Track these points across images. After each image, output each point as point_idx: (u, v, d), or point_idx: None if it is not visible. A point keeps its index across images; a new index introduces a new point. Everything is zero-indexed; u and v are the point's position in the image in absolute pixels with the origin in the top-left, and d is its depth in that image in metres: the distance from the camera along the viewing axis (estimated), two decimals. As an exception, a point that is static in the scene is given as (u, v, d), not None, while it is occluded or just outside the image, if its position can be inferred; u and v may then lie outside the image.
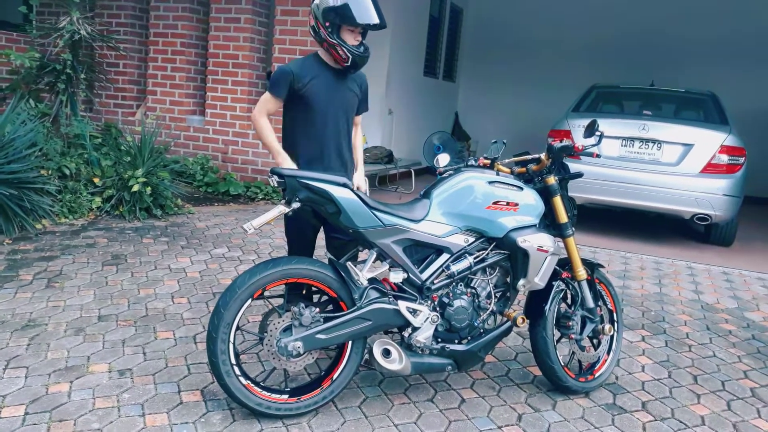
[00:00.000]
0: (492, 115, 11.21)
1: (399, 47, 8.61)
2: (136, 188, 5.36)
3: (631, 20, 10.70)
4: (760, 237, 7.14)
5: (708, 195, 5.82)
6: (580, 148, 2.82)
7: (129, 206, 5.47)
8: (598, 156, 2.92)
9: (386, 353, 2.61)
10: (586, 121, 6.26)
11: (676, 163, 5.96)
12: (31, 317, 3.39)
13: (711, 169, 5.85)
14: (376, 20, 2.76)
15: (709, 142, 5.89)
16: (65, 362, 2.93)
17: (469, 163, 3.07)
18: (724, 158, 5.84)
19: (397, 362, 2.60)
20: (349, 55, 2.80)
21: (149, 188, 5.46)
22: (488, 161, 3.03)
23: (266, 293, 2.57)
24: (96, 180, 5.56)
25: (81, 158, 5.60)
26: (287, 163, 2.90)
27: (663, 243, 6.44)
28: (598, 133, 2.93)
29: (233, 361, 2.48)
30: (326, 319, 2.53)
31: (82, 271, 4.16)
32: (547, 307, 2.86)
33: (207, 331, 2.48)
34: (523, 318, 2.84)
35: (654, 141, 6.03)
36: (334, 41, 2.77)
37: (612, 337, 3.12)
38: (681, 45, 10.45)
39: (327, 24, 2.75)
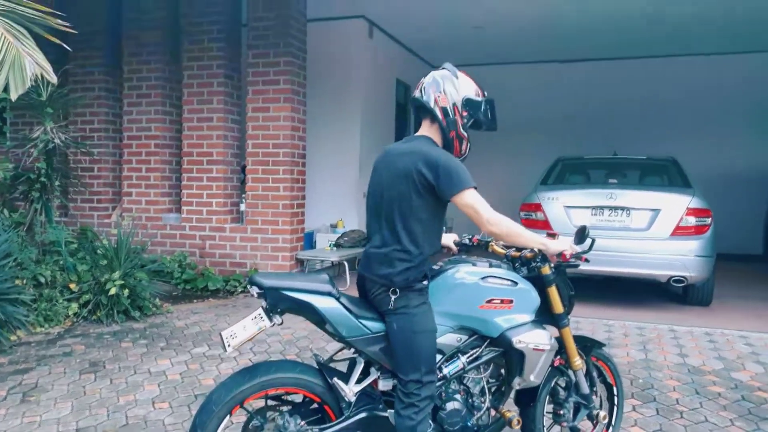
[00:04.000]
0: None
1: (369, 132, 8.87)
2: (113, 291, 5.30)
3: (594, 92, 11.22)
4: (737, 294, 7.24)
5: (681, 257, 5.93)
6: (568, 257, 2.62)
7: (106, 310, 5.39)
8: (587, 261, 2.78)
9: None
10: (555, 194, 6.50)
11: (647, 228, 6.11)
12: (5, 436, 3.26)
13: (680, 231, 6.00)
14: (495, 124, 2.60)
15: (675, 205, 6.08)
16: (42, 483, 2.80)
17: (463, 242, 3.06)
18: (692, 220, 6.01)
19: None
20: (468, 152, 2.60)
21: (127, 290, 5.41)
22: (481, 242, 3.01)
23: (246, 406, 2.42)
24: (72, 286, 5.50)
25: (56, 265, 5.56)
26: (558, 245, 2.59)
27: (643, 307, 6.48)
28: (589, 240, 2.81)
29: None
30: (312, 430, 2.40)
31: (58, 381, 4.04)
32: (537, 401, 2.78)
33: None
34: (518, 420, 2.73)
35: (622, 208, 6.20)
36: (465, 135, 2.53)
37: (612, 414, 3.07)
38: (642, 114, 10.95)
39: (465, 114, 2.51)
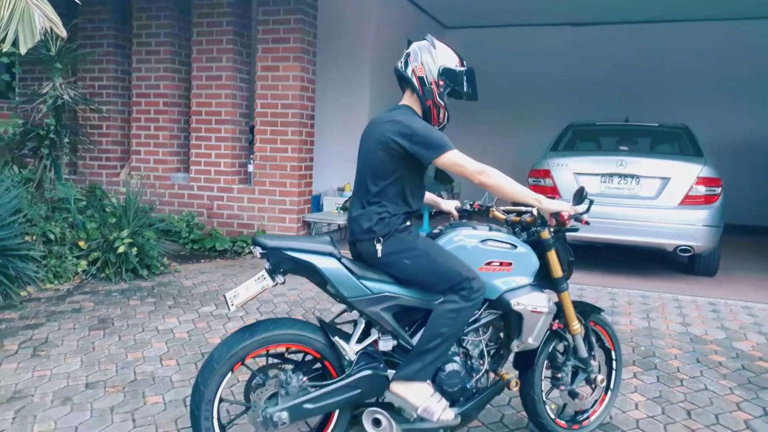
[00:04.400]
0: (475, 155, 11.30)
1: (378, 94, 8.78)
2: (121, 249, 5.35)
3: (604, 57, 11.02)
4: (743, 265, 7.23)
5: (688, 226, 5.91)
6: (566, 218, 2.60)
7: (115, 268, 5.45)
8: (587, 223, 2.79)
9: (376, 423, 2.53)
10: (565, 160, 6.46)
11: (655, 197, 6.07)
12: (16, 388, 3.34)
13: (689, 200, 5.96)
14: (475, 93, 2.66)
15: (685, 174, 6.02)
16: (52, 434, 2.88)
17: (465, 208, 3.09)
18: (702, 189, 5.96)
19: (387, 431, 2.54)
20: (447, 121, 2.68)
21: (135, 249, 5.46)
22: (483, 207, 3.03)
23: (247, 362, 2.47)
24: (81, 243, 5.55)
25: (66, 222, 5.60)
26: (554, 203, 2.61)
27: (648, 276, 6.49)
28: (587, 200, 2.84)
29: None
30: (314, 387, 2.46)
31: (68, 337, 4.12)
32: (535, 366, 2.82)
33: (189, 408, 2.42)
34: (516, 381, 2.78)
35: (632, 176, 6.15)
36: (442, 103, 2.62)
37: (610, 379, 3.11)
38: (654, 80, 10.76)
39: (441, 83, 2.59)
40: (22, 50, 3.93)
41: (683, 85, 10.66)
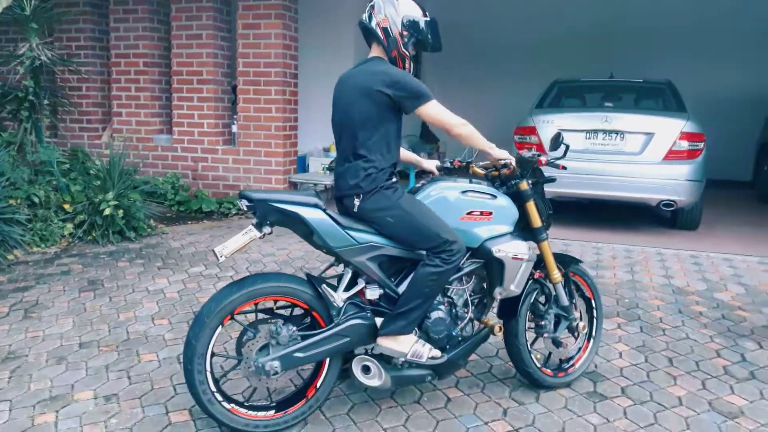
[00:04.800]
0: (460, 115, 11.35)
1: (363, 52, 8.65)
2: (107, 212, 5.32)
3: (589, 12, 10.94)
4: (724, 219, 7.36)
5: (671, 181, 5.99)
6: (544, 162, 2.86)
7: (102, 230, 5.43)
8: (564, 168, 2.95)
9: (366, 370, 2.62)
10: (550, 117, 6.48)
11: (639, 152, 6.13)
12: (10, 349, 3.36)
13: (673, 155, 6.03)
14: (439, 43, 2.71)
15: (668, 129, 6.07)
16: (49, 392, 2.91)
17: (446, 165, 3.13)
18: (685, 144, 6.03)
19: (377, 378, 2.61)
20: (411, 71, 2.68)
21: (121, 211, 5.43)
22: (463, 164, 3.08)
23: (236, 316, 2.53)
24: (66, 206, 5.51)
25: (49, 185, 5.55)
26: (500, 152, 2.78)
27: (632, 231, 6.60)
28: (563, 146, 2.97)
29: (213, 388, 2.47)
30: (303, 337, 2.52)
31: (58, 299, 4.12)
32: (518, 315, 2.89)
33: (183, 364, 2.46)
34: (500, 326, 2.88)
35: (616, 132, 6.19)
36: (406, 53, 2.66)
37: (592, 327, 3.20)
38: (638, 35, 10.72)
39: (405, 33, 2.63)
40: (-2, 9, 3.83)
41: (668, 41, 10.64)
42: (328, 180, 6.98)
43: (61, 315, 3.85)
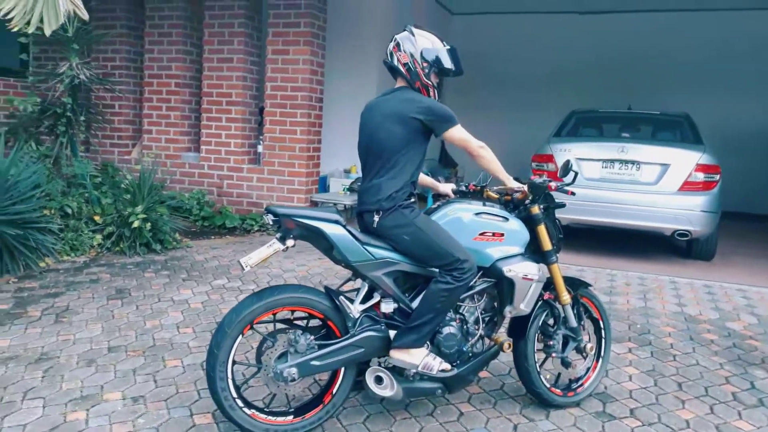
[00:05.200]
0: (480, 140, 11.53)
1: (386, 77, 8.88)
2: (136, 224, 5.53)
3: (609, 46, 11.12)
4: (740, 251, 7.39)
5: (686, 212, 6.07)
6: (554, 187, 3.01)
7: (129, 242, 5.63)
8: (572, 194, 3.08)
9: (378, 380, 2.74)
10: (567, 146, 6.61)
11: (655, 182, 6.22)
12: (43, 351, 3.53)
13: (688, 186, 6.11)
14: (459, 68, 2.89)
15: (684, 161, 6.17)
16: (80, 392, 3.06)
17: (461, 189, 3.28)
18: (700, 176, 6.11)
19: (389, 389, 2.73)
20: (437, 97, 2.87)
21: (149, 224, 5.63)
22: (478, 188, 3.23)
23: (256, 326, 2.67)
24: (97, 218, 5.73)
25: (82, 197, 5.77)
26: (515, 183, 3.00)
27: (647, 259, 6.66)
28: (572, 173, 3.13)
29: (234, 395, 2.60)
30: (320, 346, 2.65)
31: (88, 305, 4.30)
32: (527, 336, 3.00)
33: (205, 371, 2.60)
34: (509, 344, 3.00)
35: (633, 162, 6.30)
36: (429, 83, 2.84)
37: (600, 347, 3.29)
38: (657, 69, 10.87)
39: (424, 65, 2.82)
40: (47, 32, 4.08)
41: (686, 74, 10.77)
42: (349, 200, 7.15)
43: (90, 320, 4.03)
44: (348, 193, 7.56)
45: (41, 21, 4.10)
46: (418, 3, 10.14)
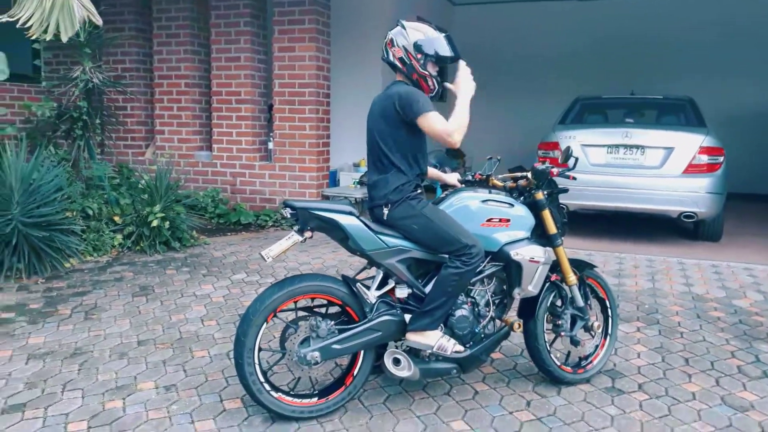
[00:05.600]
0: (484, 130, 11.49)
1: (390, 72, 8.99)
2: (155, 223, 5.70)
3: (610, 31, 11.18)
4: (746, 231, 7.49)
5: (692, 194, 6.19)
6: (555, 173, 3.14)
7: (149, 241, 5.80)
8: (574, 179, 3.25)
9: (396, 362, 2.90)
10: (572, 132, 6.72)
11: (660, 166, 6.34)
12: (76, 346, 3.70)
13: (692, 169, 6.22)
14: (455, 53, 2.94)
15: (688, 144, 6.28)
16: (115, 383, 3.24)
17: (467, 178, 3.42)
18: (704, 158, 6.22)
19: (406, 370, 2.89)
20: (437, 85, 2.97)
21: (167, 222, 5.80)
22: (483, 177, 3.37)
23: (279, 314, 2.83)
24: (116, 218, 5.91)
25: (101, 198, 5.95)
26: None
27: (654, 242, 6.78)
28: (573, 158, 3.26)
29: (262, 379, 2.77)
30: (341, 331, 2.82)
31: (114, 303, 4.48)
32: (536, 317, 3.15)
33: (234, 358, 2.77)
34: (519, 323, 3.15)
35: (637, 147, 6.41)
36: (426, 72, 2.91)
37: (607, 325, 3.43)
38: (659, 53, 10.91)
39: (419, 56, 2.89)
40: (64, 39, 4.24)
41: (687, 57, 10.80)
42: (359, 193, 7.29)
43: (118, 317, 4.20)
44: (358, 186, 7.70)
45: (57, 28, 4.25)
46: (421, -5, 10.22)
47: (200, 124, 7.77)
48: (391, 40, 2.95)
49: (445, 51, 2.91)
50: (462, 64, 3.01)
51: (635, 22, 10.97)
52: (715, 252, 6.33)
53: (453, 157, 11.16)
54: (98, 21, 4.37)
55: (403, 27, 2.96)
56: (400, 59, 2.93)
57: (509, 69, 11.68)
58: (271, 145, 7.49)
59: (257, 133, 7.49)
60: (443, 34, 2.95)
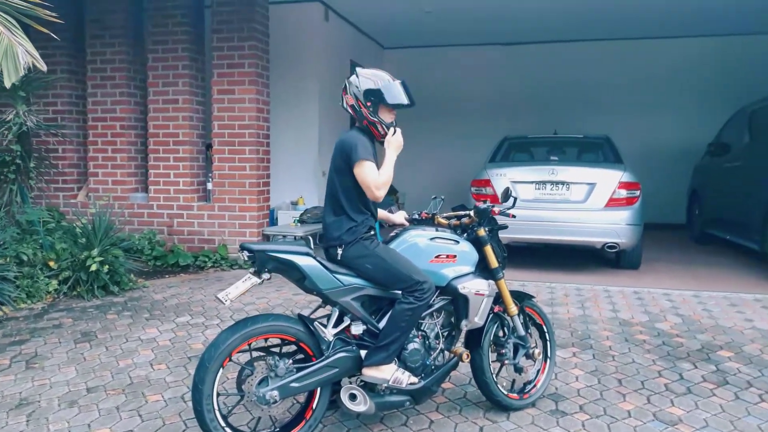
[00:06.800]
0: (418, 168, 11.97)
1: (326, 113, 9.24)
2: (94, 267, 5.59)
3: (534, 74, 11.93)
4: (662, 258, 8.08)
5: (614, 226, 6.67)
6: (497, 212, 3.39)
7: (87, 286, 5.67)
8: (513, 216, 3.49)
9: (352, 397, 2.99)
10: (503, 170, 7.12)
11: (584, 200, 6.80)
12: (21, 396, 3.60)
13: (613, 203, 6.72)
14: (408, 101, 3.07)
15: (608, 179, 6.78)
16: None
17: (414, 217, 3.62)
18: (623, 192, 6.73)
19: (362, 404, 2.99)
20: (386, 130, 3.10)
21: (106, 266, 5.70)
22: (429, 215, 3.58)
23: (234, 357, 2.86)
24: (51, 263, 5.75)
25: (36, 244, 5.78)
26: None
27: (581, 271, 7.21)
28: (512, 198, 3.55)
29: (223, 424, 2.79)
30: (299, 369, 2.89)
31: (56, 350, 4.36)
32: (482, 350, 3.33)
33: (192, 406, 2.77)
34: (467, 354, 3.32)
35: (563, 183, 6.86)
36: (375, 119, 3.06)
37: (546, 350, 3.68)
38: (580, 94, 11.73)
39: (368, 104, 3.03)
40: (7, 84, 4.20)
41: (607, 98, 11.68)
42: (300, 231, 7.39)
43: (62, 364, 4.10)
44: (299, 224, 7.80)
45: (0, 75, 4.21)
46: (353, 40, 10.59)
47: (136, 165, 7.69)
48: (345, 88, 3.11)
49: (396, 99, 3.07)
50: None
51: (559, 65, 11.76)
52: (635, 279, 6.80)
53: (387, 194, 11.41)
54: (43, 67, 4.34)
55: (357, 75, 3.13)
56: (352, 106, 3.10)
57: (440, 110, 12.17)
58: (210, 186, 7.50)
59: (195, 174, 7.49)
60: (398, 81, 3.12)
